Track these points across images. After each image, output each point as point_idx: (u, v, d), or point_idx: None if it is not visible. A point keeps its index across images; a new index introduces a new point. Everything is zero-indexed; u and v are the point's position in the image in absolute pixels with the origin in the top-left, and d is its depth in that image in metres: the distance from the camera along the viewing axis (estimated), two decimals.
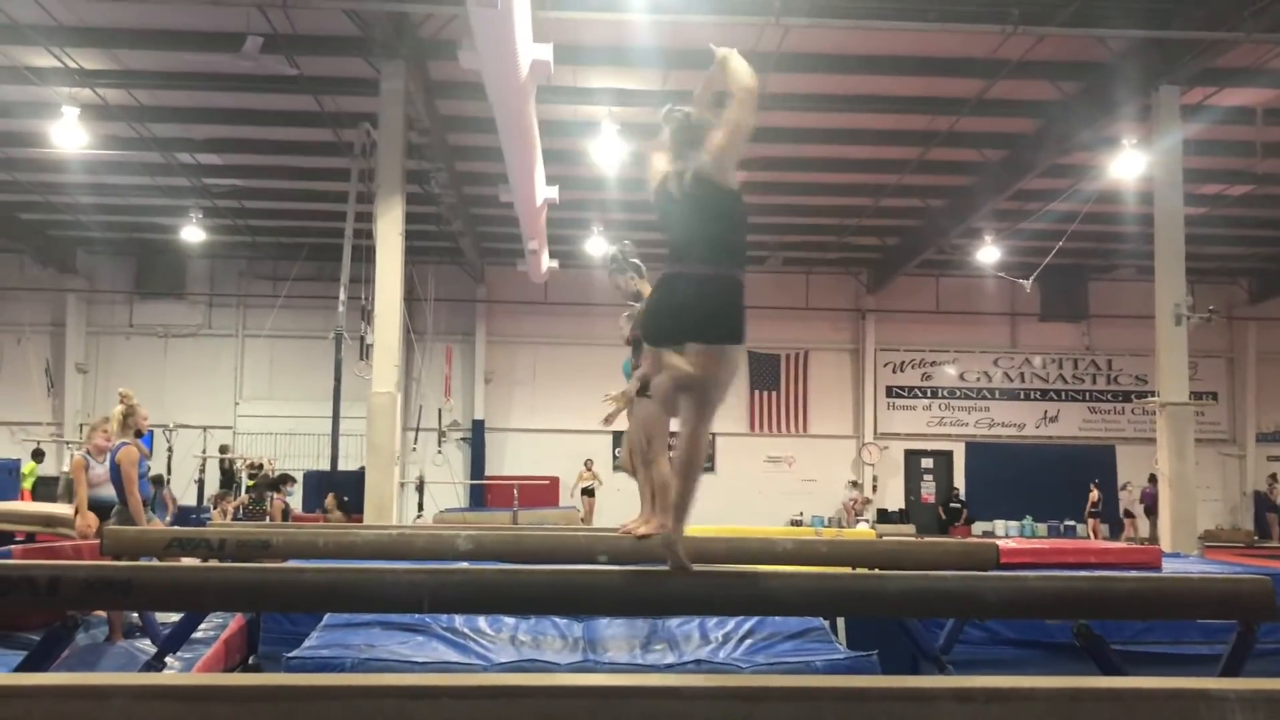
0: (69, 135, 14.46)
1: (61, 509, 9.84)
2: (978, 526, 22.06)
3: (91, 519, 8.30)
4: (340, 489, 15.31)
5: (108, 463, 8.66)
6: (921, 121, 14.87)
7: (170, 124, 15.59)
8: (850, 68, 13.20)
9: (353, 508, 13.87)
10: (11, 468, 13.16)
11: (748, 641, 6.04)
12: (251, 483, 16.07)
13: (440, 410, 22.04)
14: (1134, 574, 6.25)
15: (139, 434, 8.18)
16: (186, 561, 5.72)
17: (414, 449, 21.51)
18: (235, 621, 7.44)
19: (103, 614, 7.57)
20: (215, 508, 14.83)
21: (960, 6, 11.51)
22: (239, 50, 11.67)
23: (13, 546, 9.11)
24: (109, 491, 8.67)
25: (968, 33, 11.91)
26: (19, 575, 3.53)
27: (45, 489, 15.03)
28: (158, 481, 12.72)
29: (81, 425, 12.90)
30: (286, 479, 15.34)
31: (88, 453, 8.64)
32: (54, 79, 13.59)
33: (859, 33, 12.09)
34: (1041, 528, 22.11)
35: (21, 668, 4.09)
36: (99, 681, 2.34)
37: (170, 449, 18.14)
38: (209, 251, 22.04)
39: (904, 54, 12.96)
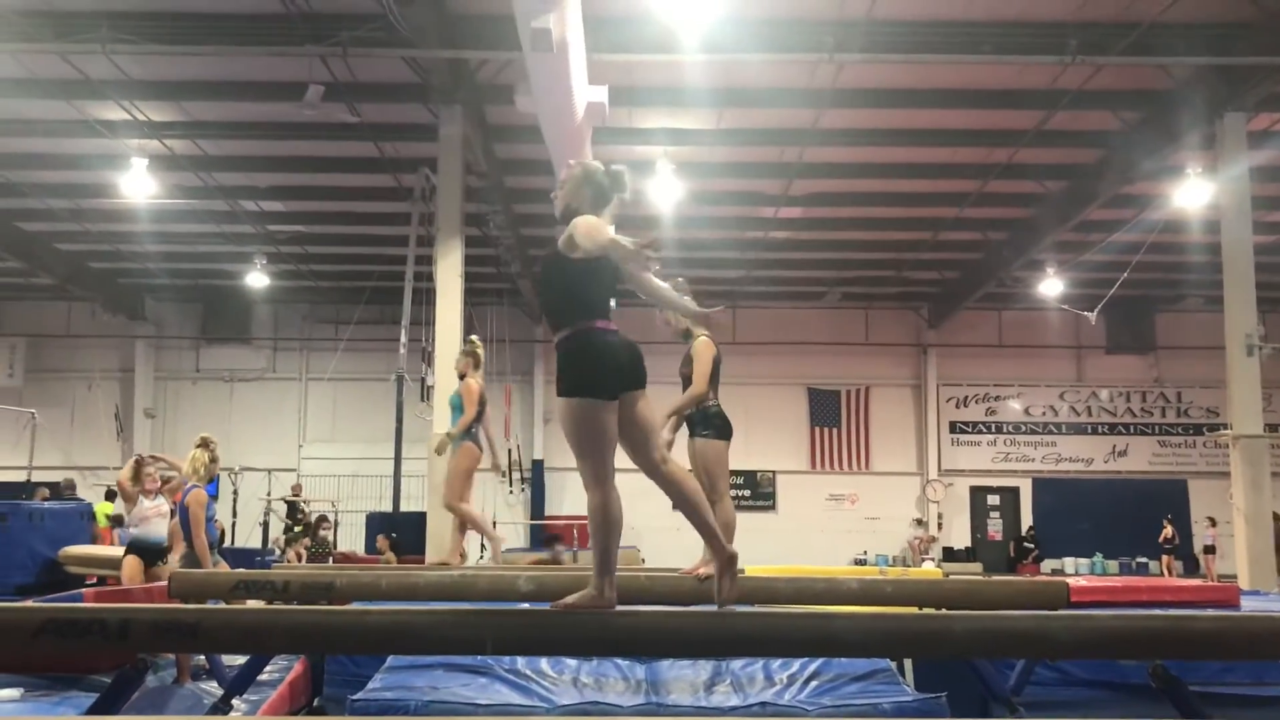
0: (138, 185, 14.87)
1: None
2: (1046, 564, 21.60)
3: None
4: (403, 530, 15.40)
5: (158, 504, 8.86)
6: (979, 154, 14.77)
7: (235, 172, 15.94)
8: (905, 102, 13.16)
9: (416, 549, 13.93)
10: (84, 511, 13.38)
11: (813, 683, 5.95)
12: (296, 525, 16.35)
13: (510, 450, 22.15)
14: (1211, 613, 6.07)
15: (209, 479, 8.33)
16: (252, 604, 5.77)
17: (511, 490, 21.54)
18: (300, 664, 7.48)
19: (171, 656, 7.66)
20: (289, 549, 15.07)
21: (1016, 38, 11.44)
22: (301, 99, 11.91)
23: (84, 590, 9.28)
24: (156, 531, 8.86)
25: (1024, 64, 11.83)
26: (91, 618, 3.58)
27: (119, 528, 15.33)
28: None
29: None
30: (322, 521, 15.55)
31: (143, 494, 8.87)
32: (124, 131, 13.98)
33: (913, 67, 12.06)
34: (1113, 565, 21.60)
35: (94, 710, 4.15)
36: None
37: (235, 492, 18.40)
38: (273, 297, 22.44)
39: (959, 87, 12.90)
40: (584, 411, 3.77)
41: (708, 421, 5.79)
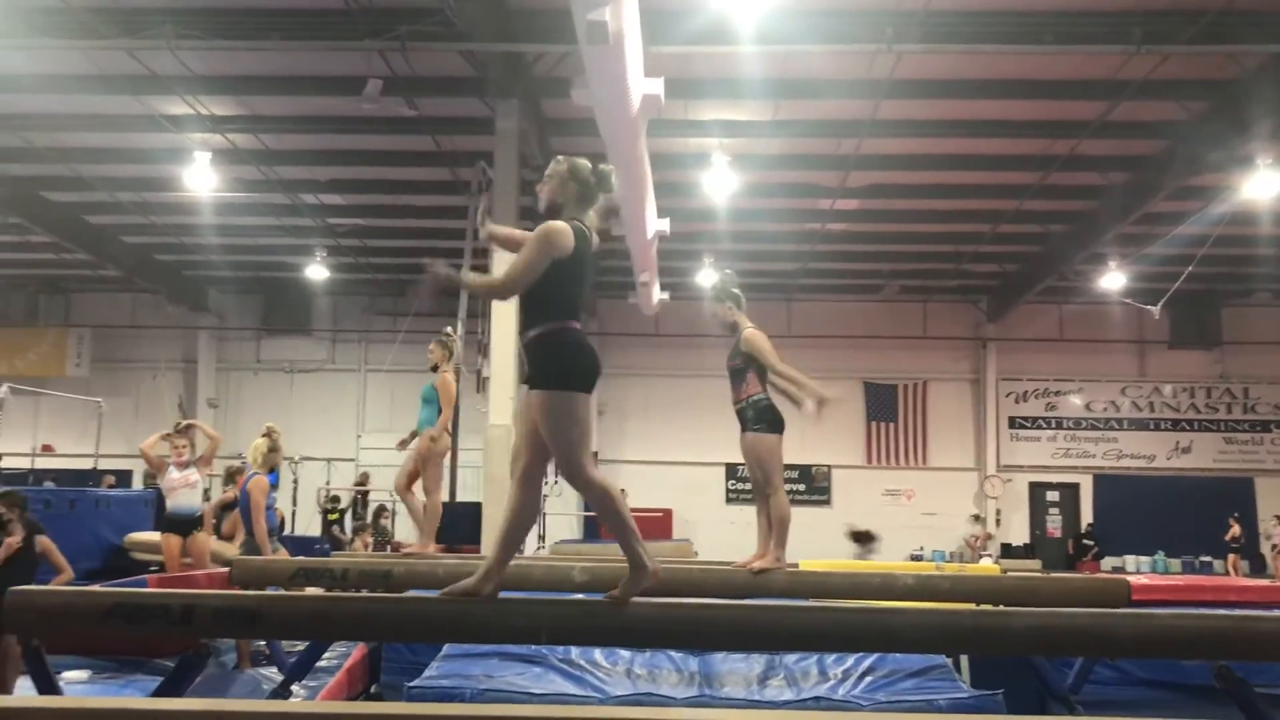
0: (201, 179, 15.13)
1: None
2: (1107, 562, 21.28)
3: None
4: (459, 520, 15.52)
5: (187, 474, 9.06)
6: (1040, 145, 14.54)
7: (295, 166, 16.16)
8: (965, 92, 12.99)
9: (472, 539, 14.04)
10: (148, 499, 13.66)
11: (868, 679, 5.92)
12: (334, 516, 16.61)
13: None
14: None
15: (271, 468, 8.48)
16: (311, 591, 5.86)
17: (555, 481, 21.66)
18: (358, 650, 7.58)
19: (232, 641, 7.80)
20: (355, 538, 15.34)
21: (1079, 27, 11.24)
22: (361, 93, 12.04)
23: (147, 575, 9.48)
24: (186, 501, 9.07)
25: (1088, 54, 11.63)
26: (156, 603, 3.67)
27: None
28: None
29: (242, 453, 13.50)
30: (381, 511, 15.74)
31: (174, 464, 9.10)
32: (188, 126, 14.22)
33: (973, 57, 11.91)
34: (1175, 563, 21.21)
35: (158, 693, 4.23)
36: (233, 708, 2.40)
37: (295, 481, 18.66)
38: (332, 289, 22.72)
39: (1020, 77, 12.71)
40: (568, 404, 3.79)
41: (760, 415, 5.77)
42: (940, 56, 11.77)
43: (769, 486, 5.72)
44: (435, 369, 8.03)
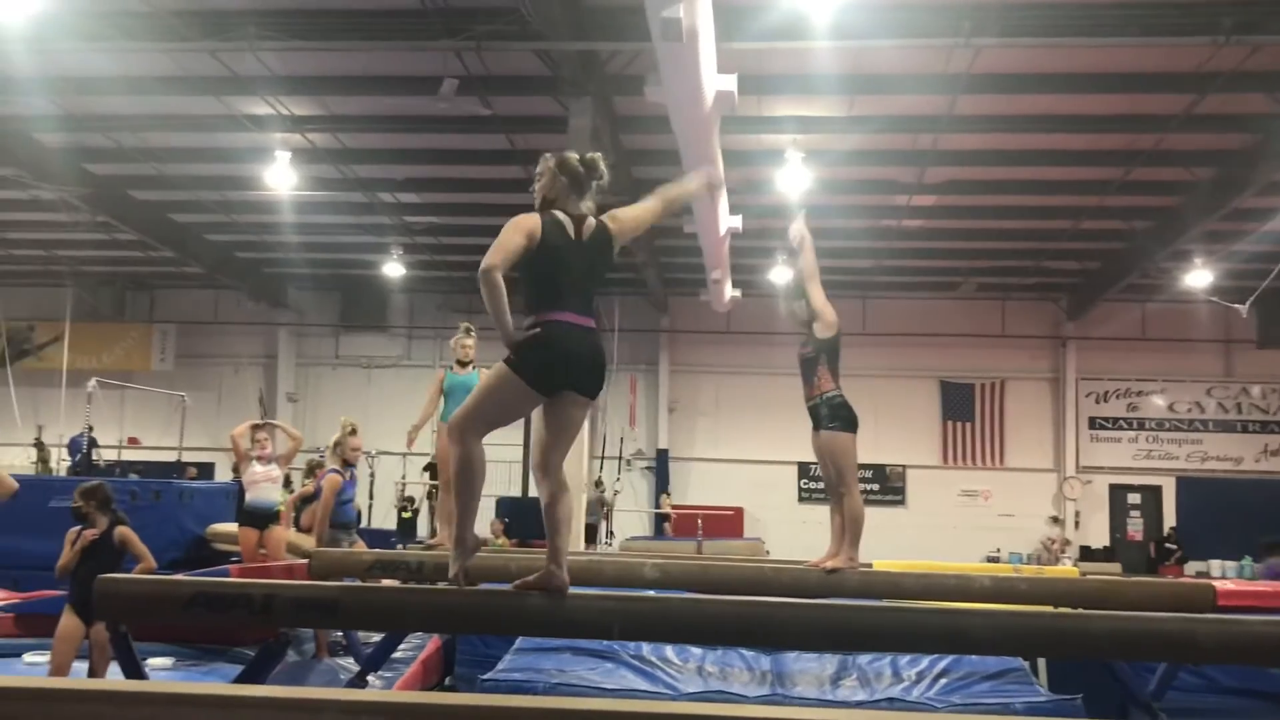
0: (281, 178, 15.43)
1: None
2: (1190, 566, 20.74)
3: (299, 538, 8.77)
4: (529, 514, 15.65)
5: (269, 469, 9.27)
6: (1123, 140, 14.22)
7: (372, 165, 16.39)
8: (1045, 87, 12.75)
9: (542, 533, 14.17)
10: (229, 491, 13.96)
11: (942, 681, 5.86)
12: (406, 515, 16.83)
13: (622, 439, 22.33)
14: None
15: (347, 463, 8.61)
16: (387, 583, 5.95)
17: (618, 480, 21.80)
18: (432, 643, 7.68)
19: (309, 631, 7.95)
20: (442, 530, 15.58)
21: (1165, 19, 10.95)
22: (436, 93, 12.18)
23: (229, 566, 9.69)
24: (265, 495, 9.28)
25: (1174, 45, 11.33)
26: (237, 593, 3.75)
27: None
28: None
29: (321, 448, 13.80)
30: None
31: (256, 459, 9.31)
32: (269, 125, 14.50)
33: (1054, 51, 11.67)
34: (1261, 568, 20.60)
35: (240, 680, 4.33)
36: (311, 696, 2.45)
37: (372, 475, 18.96)
38: (408, 286, 23.03)
39: (1102, 71, 12.43)
40: (500, 373, 3.86)
41: (834, 413, 5.72)
42: (1019, 50, 11.57)
43: (843, 485, 5.68)
44: (469, 363, 8.04)
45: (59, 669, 6.06)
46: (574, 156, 4.17)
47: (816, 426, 5.78)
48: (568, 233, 4.01)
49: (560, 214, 4.03)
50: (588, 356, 3.96)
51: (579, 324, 3.95)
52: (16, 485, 5.36)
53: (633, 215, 4.26)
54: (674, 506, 22.21)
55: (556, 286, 3.93)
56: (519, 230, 3.93)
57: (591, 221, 4.09)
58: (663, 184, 4.69)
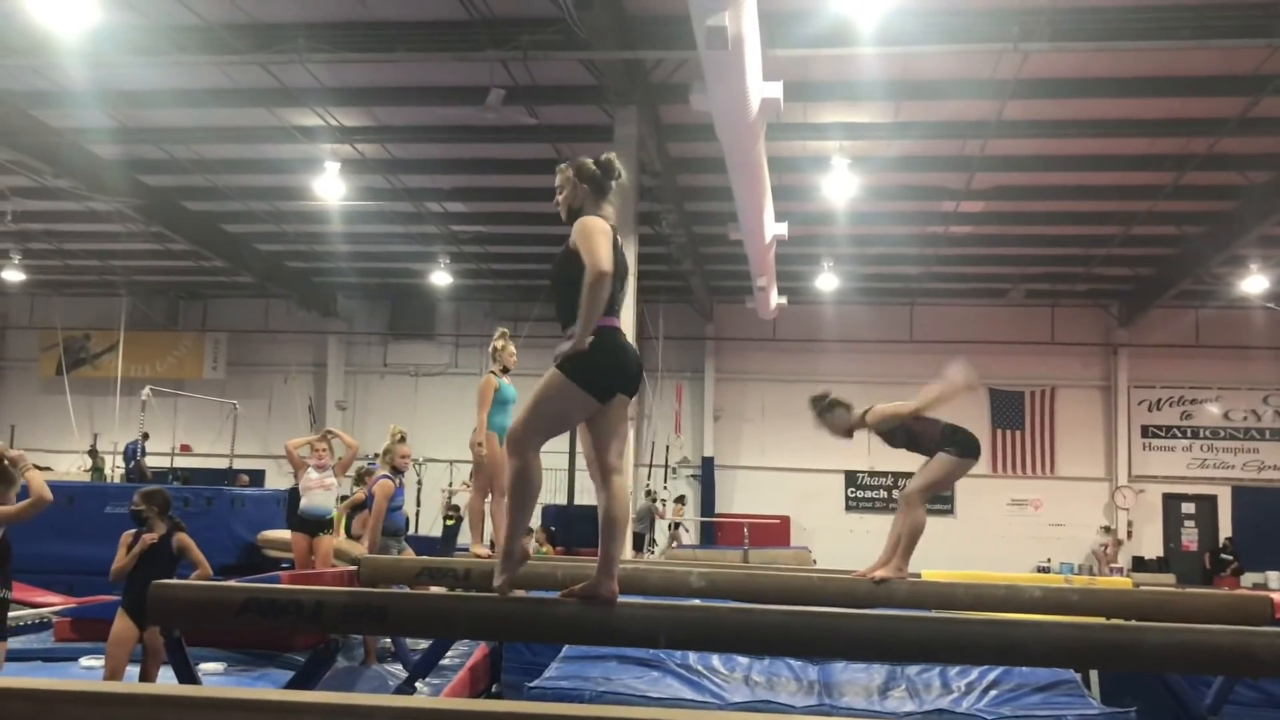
0: (330, 188, 15.61)
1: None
2: (1247, 578, 20.35)
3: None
4: (576, 523, 15.70)
5: (324, 476, 9.36)
6: (1175, 144, 14.01)
7: (420, 175, 16.54)
8: (1096, 91, 12.59)
9: (589, 541, 14.19)
10: (280, 498, 14.13)
11: (992, 692, 5.79)
12: (450, 522, 16.92)
13: (668, 446, 22.31)
14: None
15: (396, 470, 8.67)
16: (435, 590, 5.99)
17: (666, 486, 21.80)
18: (480, 650, 7.71)
19: (358, 637, 8.01)
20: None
21: (1218, 21, 10.77)
22: (483, 103, 12.27)
23: (280, 572, 9.80)
24: (319, 503, 9.37)
25: (1228, 48, 11.15)
26: (288, 599, 3.79)
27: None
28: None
29: (370, 455, 13.97)
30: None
31: (314, 466, 9.39)
32: (318, 136, 14.69)
33: (1104, 54, 11.53)
34: None
35: (291, 685, 4.38)
36: (361, 702, 2.47)
37: (420, 482, 19.10)
38: (456, 294, 23.19)
39: (1155, 74, 12.26)
40: (559, 382, 3.82)
41: (951, 438, 5.72)
42: (1069, 55, 11.44)
43: (919, 496, 5.66)
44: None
45: (114, 673, 6.14)
46: (588, 161, 4.18)
47: (933, 451, 5.76)
48: (617, 238, 4.03)
49: (604, 219, 4.03)
50: (634, 360, 4.00)
51: (621, 329, 3.98)
52: (51, 497, 5.44)
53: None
54: (719, 515, 22.17)
55: (612, 294, 3.92)
56: (604, 234, 3.92)
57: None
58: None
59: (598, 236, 3.88)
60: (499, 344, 7.44)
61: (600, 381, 3.85)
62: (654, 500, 19.39)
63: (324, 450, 9.73)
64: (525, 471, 3.84)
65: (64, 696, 2.65)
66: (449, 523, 17.52)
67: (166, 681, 5.63)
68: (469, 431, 7.80)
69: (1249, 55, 11.40)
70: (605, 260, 3.82)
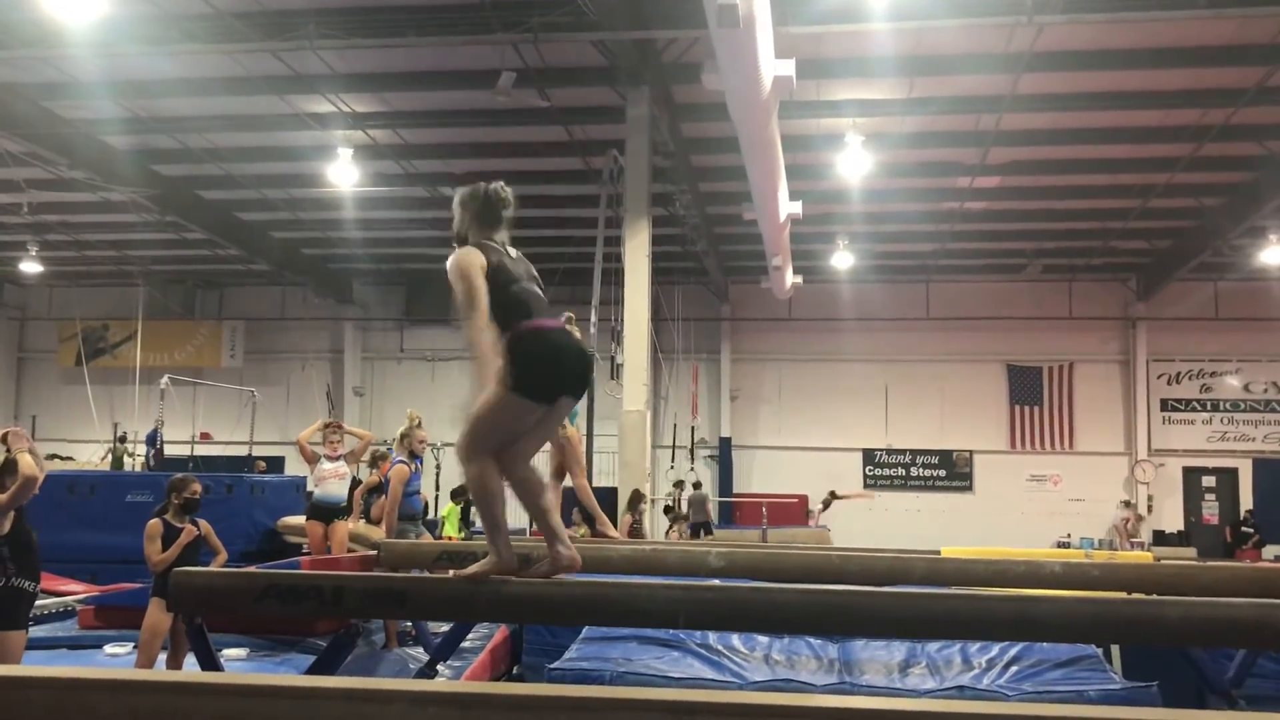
0: (344, 175, 15.63)
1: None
2: (1269, 550, 20.23)
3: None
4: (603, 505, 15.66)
5: (338, 465, 9.42)
6: (1192, 116, 13.88)
7: (433, 160, 16.53)
8: (1111, 63, 12.48)
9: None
10: (299, 484, 14.21)
11: (1014, 668, 5.77)
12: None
13: (693, 427, 22.32)
14: None
15: (413, 455, 8.70)
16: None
17: (673, 466, 21.82)
18: (500, 632, 7.74)
19: (380, 621, 8.04)
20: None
21: None
22: (494, 86, 12.24)
23: (300, 558, 9.86)
24: (333, 491, 9.44)
25: (1244, 17, 11.02)
26: (309, 584, 3.80)
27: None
28: None
29: (387, 440, 14.03)
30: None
31: (325, 456, 9.45)
32: (331, 123, 14.69)
33: (1119, 26, 11.41)
34: None
35: (312, 670, 4.40)
36: (382, 686, 2.48)
37: (438, 467, 19.15)
38: None
39: (1171, 45, 12.14)
40: (513, 406, 3.73)
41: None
42: (1084, 26, 11.32)
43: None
44: None
45: (149, 661, 6.18)
46: (480, 188, 4.10)
47: None
48: (504, 254, 4.00)
49: (486, 241, 4.01)
50: (574, 357, 3.92)
51: (555, 326, 3.94)
52: (38, 475, 5.38)
53: None
54: (737, 495, 22.18)
55: (521, 297, 3.91)
56: (473, 267, 3.87)
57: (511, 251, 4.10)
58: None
59: (469, 273, 3.84)
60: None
61: (541, 387, 3.76)
62: (698, 488, 19.26)
63: (336, 442, 9.78)
64: (480, 478, 3.76)
65: (86, 684, 2.67)
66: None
67: (190, 669, 5.67)
68: None
69: (1266, 24, 11.28)
70: (478, 294, 3.80)
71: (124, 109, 14.45)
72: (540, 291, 4.03)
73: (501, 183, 4.14)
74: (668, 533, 15.43)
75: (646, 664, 5.77)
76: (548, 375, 3.79)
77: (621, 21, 11.14)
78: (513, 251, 4.08)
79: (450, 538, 13.93)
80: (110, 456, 19.50)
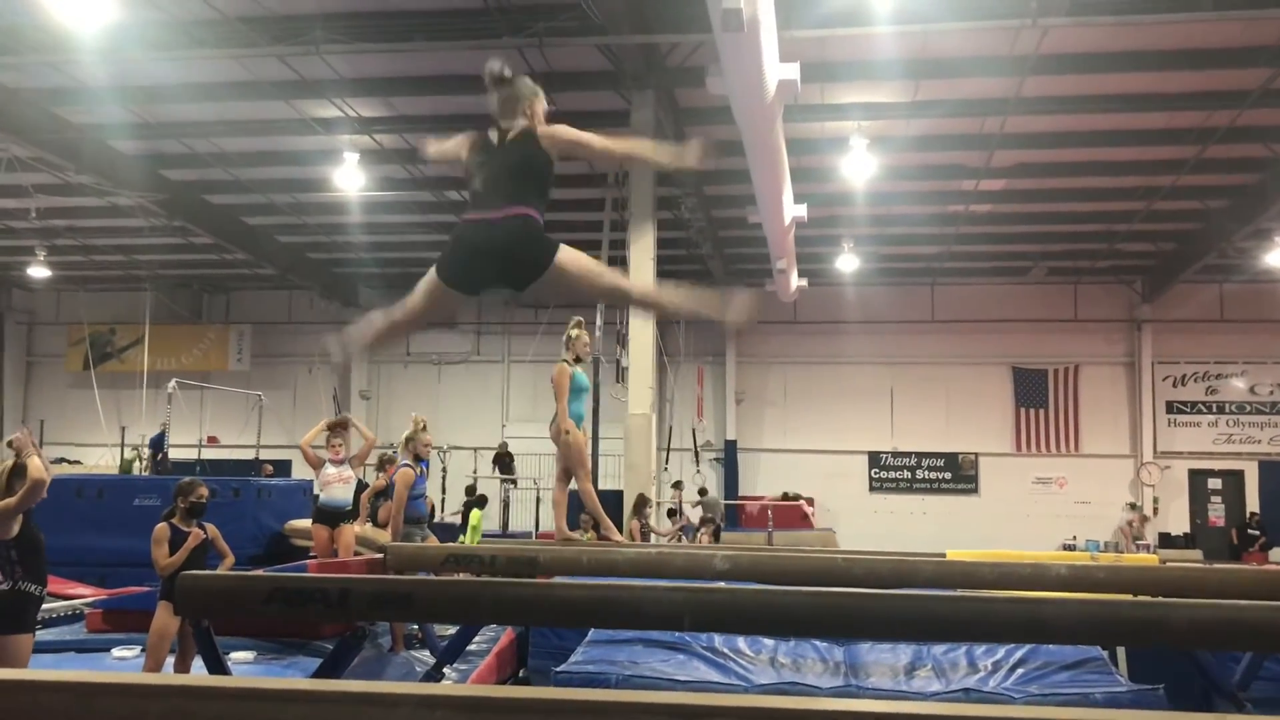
0: (350, 179, 15.67)
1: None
2: (1275, 553, 20.19)
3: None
4: (611, 508, 15.68)
5: (342, 470, 9.43)
6: (1197, 118, 13.87)
7: (438, 164, 16.52)
8: (1116, 65, 12.48)
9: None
10: (305, 488, 14.24)
11: (1019, 670, 5.78)
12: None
13: (694, 431, 22.32)
14: None
15: (418, 458, 8.72)
16: (461, 577, 6.02)
17: (666, 469, 21.82)
18: (506, 635, 7.76)
19: (386, 624, 8.07)
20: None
21: None
22: None
23: (307, 561, 9.88)
24: (338, 495, 9.45)
25: (1250, 19, 11.02)
26: (314, 588, 3.82)
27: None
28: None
29: (394, 444, 14.09)
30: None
31: (330, 460, 9.46)
32: (337, 128, 14.73)
33: (1124, 28, 11.40)
34: None
35: (318, 673, 4.41)
36: (389, 689, 2.49)
37: (445, 469, 19.19)
38: None
39: (1174, 48, 12.14)
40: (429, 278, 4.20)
41: None
42: (1089, 29, 11.32)
43: None
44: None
45: (157, 664, 6.21)
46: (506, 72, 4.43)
47: None
48: (488, 139, 4.23)
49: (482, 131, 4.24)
50: (461, 247, 4.17)
51: (469, 218, 4.15)
52: (45, 478, 5.39)
53: (572, 135, 4.27)
54: (743, 497, 22.16)
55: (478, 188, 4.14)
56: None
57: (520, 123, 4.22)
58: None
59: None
60: (574, 333, 7.32)
61: (438, 264, 4.16)
62: (704, 494, 19.22)
63: (339, 445, 9.80)
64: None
65: (94, 688, 2.68)
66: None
67: (198, 672, 5.69)
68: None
69: (1271, 26, 11.27)
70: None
71: (131, 114, 14.50)
72: (497, 178, 4.11)
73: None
74: (696, 535, 15.46)
75: (652, 667, 5.78)
76: (441, 259, 4.15)
77: (626, 26, 11.16)
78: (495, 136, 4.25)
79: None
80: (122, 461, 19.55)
